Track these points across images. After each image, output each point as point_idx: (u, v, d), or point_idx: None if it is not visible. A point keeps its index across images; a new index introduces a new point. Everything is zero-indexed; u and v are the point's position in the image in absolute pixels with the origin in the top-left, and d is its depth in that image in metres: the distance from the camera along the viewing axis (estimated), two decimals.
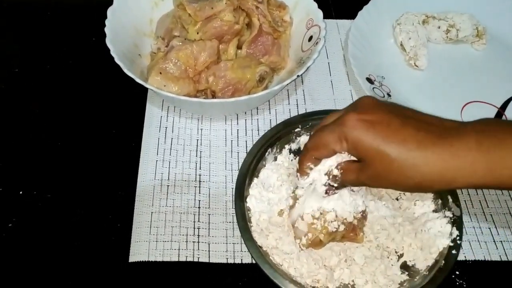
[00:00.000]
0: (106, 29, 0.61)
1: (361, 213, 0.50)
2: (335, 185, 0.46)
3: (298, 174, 0.47)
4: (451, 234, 0.51)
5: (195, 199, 0.57)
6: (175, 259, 0.52)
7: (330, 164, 0.44)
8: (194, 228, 0.55)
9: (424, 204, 0.54)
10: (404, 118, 0.39)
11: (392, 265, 0.51)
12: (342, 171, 0.44)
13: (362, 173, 0.41)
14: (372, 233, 0.52)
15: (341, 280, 0.49)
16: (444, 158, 0.37)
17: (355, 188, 0.48)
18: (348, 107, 0.43)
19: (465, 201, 0.59)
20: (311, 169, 0.46)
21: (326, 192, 0.47)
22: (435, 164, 0.37)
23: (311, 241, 0.50)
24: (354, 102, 0.43)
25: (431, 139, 0.38)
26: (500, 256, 0.55)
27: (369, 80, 0.66)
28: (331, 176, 0.45)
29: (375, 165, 0.40)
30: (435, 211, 0.54)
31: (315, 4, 0.67)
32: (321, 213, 0.48)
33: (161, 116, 0.64)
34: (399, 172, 0.39)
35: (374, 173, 0.40)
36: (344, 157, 0.43)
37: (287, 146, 0.59)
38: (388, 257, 0.51)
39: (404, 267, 0.51)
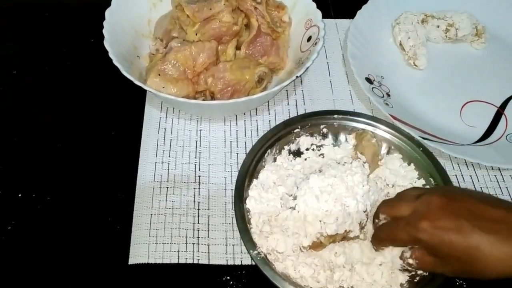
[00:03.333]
0: (104, 31, 0.60)
1: (364, 212, 0.50)
2: (409, 268, 0.49)
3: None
4: None
5: (194, 201, 0.57)
6: (174, 261, 0.52)
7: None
8: (194, 229, 0.54)
9: None
10: (472, 221, 0.42)
11: (395, 263, 0.51)
12: (417, 261, 0.47)
13: (440, 267, 0.45)
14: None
15: (341, 282, 0.49)
16: None
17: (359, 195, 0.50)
18: (420, 204, 0.45)
19: None
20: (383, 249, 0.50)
21: (401, 270, 0.50)
22: (508, 263, 0.41)
23: (311, 243, 0.50)
24: (423, 199, 0.46)
25: (501, 240, 0.41)
26: None
27: (368, 80, 0.66)
28: (405, 263, 0.48)
29: (451, 264, 0.44)
30: None
31: (314, 4, 0.66)
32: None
33: (160, 118, 0.64)
34: (473, 270, 0.43)
35: (450, 269, 0.45)
36: None
37: (286, 147, 0.59)
38: (387, 258, 0.51)
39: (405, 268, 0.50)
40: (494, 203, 0.44)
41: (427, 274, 0.49)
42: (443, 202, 0.44)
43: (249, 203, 0.53)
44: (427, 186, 0.56)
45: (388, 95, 0.66)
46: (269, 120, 0.65)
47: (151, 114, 0.64)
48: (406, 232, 0.45)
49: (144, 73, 0.63)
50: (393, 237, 0.47)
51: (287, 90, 0.68)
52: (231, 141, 0.62)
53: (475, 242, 0.41)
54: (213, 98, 0.62)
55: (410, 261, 0.47)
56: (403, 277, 0.49)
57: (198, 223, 0.55)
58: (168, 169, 0.59)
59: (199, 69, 0.61)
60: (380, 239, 0.50)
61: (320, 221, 0.49)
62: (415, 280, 0.49)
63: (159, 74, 0.59)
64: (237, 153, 0.61)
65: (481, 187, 0.60)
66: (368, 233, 0.52)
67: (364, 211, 0.50)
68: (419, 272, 0.49)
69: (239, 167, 0.55)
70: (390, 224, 0.48)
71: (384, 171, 0.57)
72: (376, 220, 0.50)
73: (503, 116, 0.66)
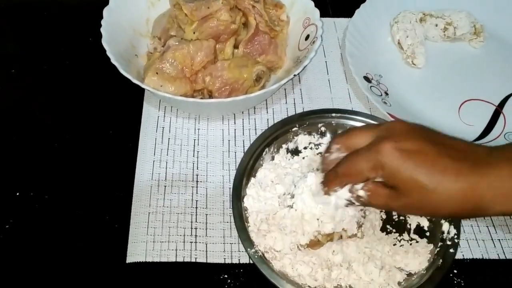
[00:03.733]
0: (102, 29, 0.60)
1: (361, 210, 0.50)
2: (357, 203, 0.44)
3: (322, 190, 0.46)
4: (448, 232, 0.51)
5: (192, 199, 0.57)
6: (172, 259, 0.52)
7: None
8: (192, 228, 0.54)
9: None
10: (440, 147, 0.39)
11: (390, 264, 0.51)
12: (369, 193, 0.42)
13: (394, 201, 0.41)
14: (371, 231, 0.52)
15: (338, 280, 0.49)
16: (481, 188, 0.38)
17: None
18: (380, 131, 0.41)
19: None
20: (335, 191, 0.45)
21: (346, 206, 0.46)
22: (472, 195, 0.38)
23: (309, 241, 0.50)
24: (385, 125, 0.42)
25: (468, 169, 0.38)
26: (498, 254, 0.55)
27: (366, 78, 0.66)
28: (355, 195, 0.44)
29: (411, 195, 0.39)
30: None
31: (312, 3, 0.66)
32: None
33: (158, 116, 0.64)
34: (435, 203, 0.39)
35: (408, 202, 0.40)
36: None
37: (284, 146, 0.59)
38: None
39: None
40: (459, 138, 0.42)
41: (422, 270, 0.49)
42: (408, 127, 0.41)
43: (247, 202, 0.53)
44: None
45: (386, 93, 0.66)
46: (267, 119, 0.65)
47: (149, 113, 0.64)
48: (366, 158, 0.40)
49: (142, 71, 0.63)
50: (351, 169, 0.42)
51: (285, 89, 0.68)
52: (229, 140, 0.62)
53: (441, 167, 0.38)
54: (211, 96, 0.62)
55: (361, 193, 0.43)
56: (401, 276, 0.49)
57: (196, 221, 0.55)
58: (166, 168, 0.59)
59: (197, 67, 0.61)
60: (334, 176, 0.43)
61: (318, 219, 0.49)
62: (413, 279, 0.49)
63: (157, 73, 0.59)
64: (235, 152, 0.61)
65: None
66: (366, 231, 0.52)
67: (361, 210, 0.50)
68: (414, 270, 0.49)
69: (237, 166, 0.55)
70: (347, 156, 0.43)
71: None
72: (327, 154, 0.45)
73: (501, 115, 0.66)
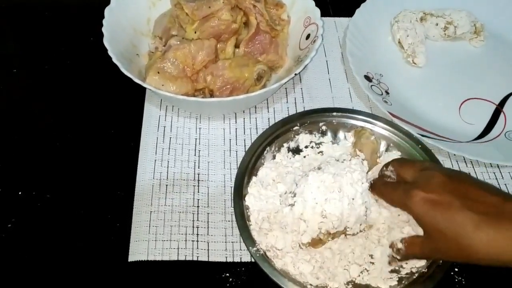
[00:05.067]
0: (103, 29, 0.61)
1: (363, 209, 0.50)
2: (398, 257, 0.49)
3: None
4: None
5: (194, 198, 0.57)
6: (174, 258, 0.52)
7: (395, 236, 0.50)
8: (193, 227, 0.55)
9: None
10: (465, 200, 0.43)
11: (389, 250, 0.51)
12: (406, 244, 0.48)
13: (426, 246, 0.46)
14: (373, 230, 0.53)
15: (340, 278, 0.49)
16: (499, 241, 0.40)
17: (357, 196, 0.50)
18: (421, 176, 0.47)
19: None
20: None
21: (389, 263, 0.50)
22: (491, 246, 0.41)
23: (311, 240, 0.50)
24: (427, 173, 0.47)
25: (488, 223, 0.41)
26: None
27: (367, 77, 0.66)
28: (395, 249, 0.49)
29: (436, 241, 0.44)
30: None
31: (313, 2, 0.67)
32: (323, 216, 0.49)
33: (160, 116, 0.64)
34: (457, 250, 0.42)
35: (436, 248, 0.45)
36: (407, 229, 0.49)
37: (285, 145, 0.59)
38: (387, 255, 0.51)
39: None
40: (493, 190, 0.44)
41: (423, 267, 0.49)
42: (443, 179, 0.45)
43: (248, 200, 0.53)
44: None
45: (387, 92, 0.67)
46: (268, 118, 0.65)
47: (151, 112, 0.64)
48: (399, 196, 0.47)
49: (144, 71, 0.63)
50: (389, 195, 0.49)
51: (286, 88, 0.68)
52: (230, 139, 0.62)
53: (461, 219, 0.42)
54: (212, 96, 0.62)
55: (399, 245, 0.48)
56: (402, 274, 0.50)
57: (198, 220, 0.55)
58: (168, 167, 0.59)
59: (198, 67, 0.61)
60: (378, 190, 0.51)
61: (319, 218, 0.49)
62: (414, 277, 0.49)
63: (158, 72, 0.59)
64: (236, 151, 0.61)
65: None
66: (367, 229, 0.52)
67: (363, 208, 0.50)
68: (415, 268, 0.49)
69: (238, 165, 0.55)
70: (392, 183, 0.50)
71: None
72: (384, 168, 0.52)
73: (501, 114, 0.67)
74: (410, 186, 0.46)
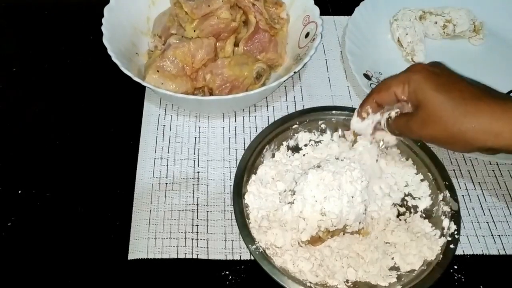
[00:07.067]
0: (103, 28, 0.61)
1: (362, 206, 0.50)
2: (385, 128, 0.48)
3: (357, 116, 0.50)
4: (449, 228, 0.51)
5: (193, 197, 0.57)
6: (174, 256, 0.52)
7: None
8: (193, 225, 0.55)
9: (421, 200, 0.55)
10: (462, 77, 0.43)
11: (392, 258, 0.51)
12: (397, 115, 0.47)
13: (413, 117, 0.44)
14: (372, 228, 0.53)
15: (340, 276, 0.49)
16: (495, 111, 0.39)
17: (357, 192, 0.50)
18: (409, 68, 0.45)
19: (463, 195, 0.59)
20: (368, 114, 0.49)
21: (373, 129, 0.49)
22: (485, 116, 0.39)
23: (310, 238, 0.50)
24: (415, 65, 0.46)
25: (485, 95, 0.41)
26: (498, 250, 0.55)
27: (366, 76, 0.66)
28: (389, 120, 0.47)
29: (428, 109, 0.42)
30: (432, 205, 0.54)
31: (312, 1, 0.67)
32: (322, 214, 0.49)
33: (159, 114, 0.64)
34: (448, 119, 0.41)
35: (425, 117, 0.42)
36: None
37: (284, 143, 0.59)
38: (386, 252, 0.51)
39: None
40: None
41: (423, 265, 0.49)
42: (442, 65, 0.45)
43: (248, 199, 0.53)
44: (425, 181, 0.56)
45: None
46: (268, 117, 0.65)
47: (150, 111, 0.64)
48: (397, 76, 0.45)
49: (143, 70, 0.63)
50: (381, 86, 0.47)
51: (285, 87, 0.68)
52: (229, 138, 0.63)
53: (460, 88, 0.41)
54: (211, 94, 0.62)
55: (392, 113, 0.47)
56: (401, 271, 0.50)
57: (197, 218, 0.55)
58: (167, 165, 0.59)
59: (197, 65, 0.61)
60: (367, 96, 0.49)
61: (319, 216, 0.49)
62: (413, 274, 0.49)
63: (157, 71, 0.59)
64: (236, 149, 0.61)
65: (479, 182, 0.60)
66: (367, 228, 0.52)
67: (362, 206, 0.50)
68: (410, 267, 0.49)
69: (238, 163, 0.55)
70: (384, 79, 0.48)
71: (382, 166, 0.58)
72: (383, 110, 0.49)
73: None
74: (405, 72, 0.45)
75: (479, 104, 0.40)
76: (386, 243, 0.52)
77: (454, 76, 0.43)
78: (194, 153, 0.61)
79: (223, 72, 0.61)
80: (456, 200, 0.52)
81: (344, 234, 0.51)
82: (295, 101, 0.67)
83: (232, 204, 0.53)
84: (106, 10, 0.63)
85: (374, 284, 0.49)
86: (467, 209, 0.58)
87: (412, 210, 0.55)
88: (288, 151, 0.59)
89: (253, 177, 0.55)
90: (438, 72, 0.43)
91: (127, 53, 0.63)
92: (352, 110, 0.61)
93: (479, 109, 0.40)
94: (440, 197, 0.54)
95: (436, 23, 0.73)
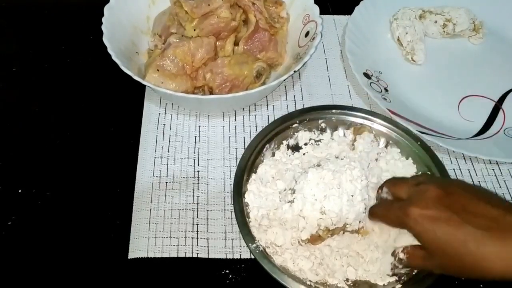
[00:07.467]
0: (103, 27, 0.61)
1: (362, 205, 0.50)
2: (400, 266, 0.49)
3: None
4: None
5: (193, 196, 0.57)
6: (174, 255, 0.52)
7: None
8: (193, 224, 0.55)
9: None
10: (465, 215, 0.41)
11: (391, 258, 0.51)
12: (408, 256, 0.47)
13: (429, 262, 0.45)
14: (372, 228, 0.53)
15: (340, 275, 0.49)
16: (502, 256, 0.39)
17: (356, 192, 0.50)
18: (416, 192, 0.46)
19: None
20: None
21: (391, 270, 0.50)
22: (495, 261, 0.40)
23: (310, 236, 0.50)
24: (421, 187, 0.46)
25: (490, 238, 0.40)
26: None
27: (366, 75, 0.66)
28: (397, 258, 0.48)
29: (439, 258, 0.43)
30: None
31: (312, 0, 0.67)
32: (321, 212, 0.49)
33: (159, 113, 0.64)
34: (459, 266, 0.42)
35: (439, 264, 0.44)
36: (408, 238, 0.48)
37: (285, 142, 0.59)
38: (386, 251, 0.51)
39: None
40: (493, 201, 0.43)
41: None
42: (438, 193, 0.43)
43: (248, 197, 0.53)
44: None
45: (386, 90, 0.67)
46: (268, 116, 0.65)
47: (150, 110, 0.64)
48: (396, 214, 0.46)
49: (143, 69, 0.63)
50: (386, 216, 0.48)
51: (285, 86, 0.68)
52: (229, 137, 0.63)
53: (462, 236, 0.40)
54: (211, 93, 0.62)
55: (401, 255, 0.48)
56: (401, 270, 0.50)
57: (197, 217, 0.55)
58: (167, 165, 0.59)
59: (197, 64, 0.61)
60: (375, 213, 0.50)
61: (319, 214, 0.49)
62: (413, 273, 0.49)
63: (157, 70, 0.59)
64: (236, 148, 0.61)
65: (479, 181, 0.60)
66: (366, 227, 0.52)
67: (362, 205, 0.50)
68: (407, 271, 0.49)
69: (238, 162, 0.55)
70: (387, 202, 0.50)
71: (382, 165, 0.58)
72: (379, 191, 0.51)
73: (500, 111, 0.67)
74: (405, 203, 0.45)
75: (484, 252, 0.40)
76: (386, 242, 0.52)
77: (454, 219, 0.41)
78: (194, 152, 0.61)
79: (223, 71, 0.61)
80: None
81: (344, 233, 0.51)
82: (295, 100, 0.67)
83: (232, 203, 0.53)
84: (106, 9, 0.63)
85: (374, 283, 0.49)
86: None
87: None
88: (288, 150, 0.59)
89: (253, 176, 0.55)
90: (435, 217, 0.42)
91: (127, 52, 0.63)
92: (352, 109, 0.61)
93: (485, 259, 0.40)
94: None
95: (436, 22, 0.73)
